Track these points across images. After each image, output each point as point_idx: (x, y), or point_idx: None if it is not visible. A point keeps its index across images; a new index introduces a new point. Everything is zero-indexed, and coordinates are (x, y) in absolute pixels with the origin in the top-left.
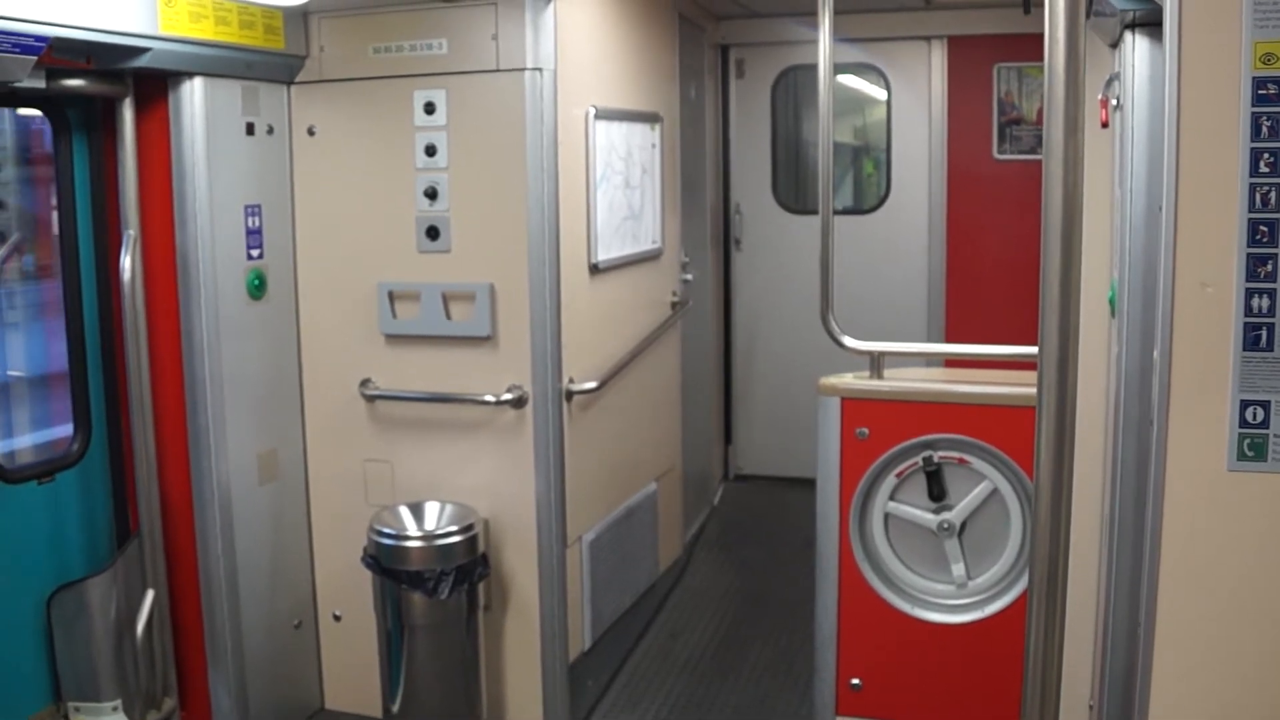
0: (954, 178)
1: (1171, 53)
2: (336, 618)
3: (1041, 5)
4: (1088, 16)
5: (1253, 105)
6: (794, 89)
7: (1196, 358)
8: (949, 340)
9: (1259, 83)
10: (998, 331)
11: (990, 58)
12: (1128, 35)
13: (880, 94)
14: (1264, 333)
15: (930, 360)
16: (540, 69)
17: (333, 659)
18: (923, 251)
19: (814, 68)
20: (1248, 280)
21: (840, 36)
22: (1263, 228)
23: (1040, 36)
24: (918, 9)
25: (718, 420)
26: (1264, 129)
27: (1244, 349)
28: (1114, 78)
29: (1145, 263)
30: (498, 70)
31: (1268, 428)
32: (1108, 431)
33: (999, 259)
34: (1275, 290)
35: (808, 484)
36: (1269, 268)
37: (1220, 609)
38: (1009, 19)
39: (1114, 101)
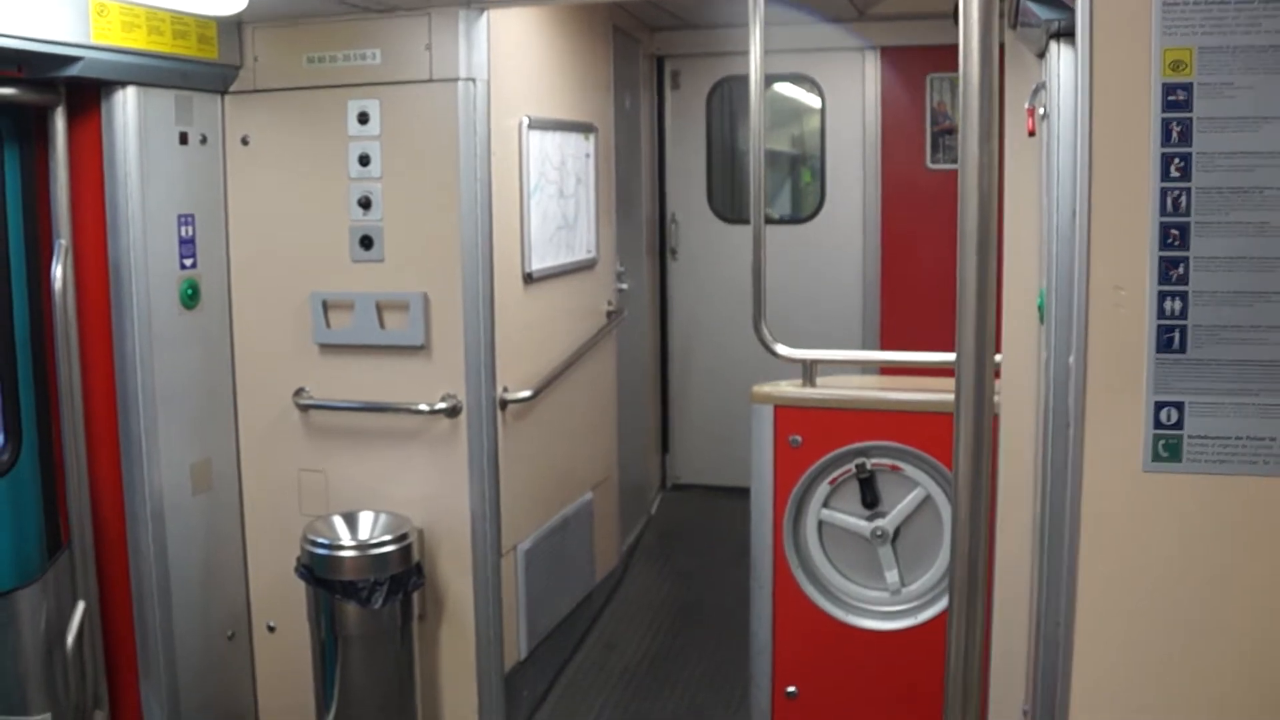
0: (888, 187)
1: (1083, 59)
2: (270, 629)
3: None
4: (1014, 27)
5: (1163, 111)
6: (729, 99)
7: (1111, 360)
8: (884, 348)
9: (1168, 89)
10: (932, 339)
11: (923, 68)
12: (1052, 45)
13: (817, 103)
14: (1176, 335)
15: (866, 368)
16: (473, 79)
17: (267, 670)
18: (857, 260)
19: (747, 79)
20: (1160, 283)
21: (774, 47)
22: (1174, 231)
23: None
24: (851, 20)
25: (654, 429)
26: (1174, 134)
27: (1157, 351)
28: (1040, 87)
29: (1071, 270)
30: (431, 80)
31: (1182, 429)
32: (1037, 437)
33: (932, 267)
34: (1187, 293)
35: (745, 493)
36: (1180, 270)
37: (1137, 608)
38: (941, 30)
39: (1040, 110)
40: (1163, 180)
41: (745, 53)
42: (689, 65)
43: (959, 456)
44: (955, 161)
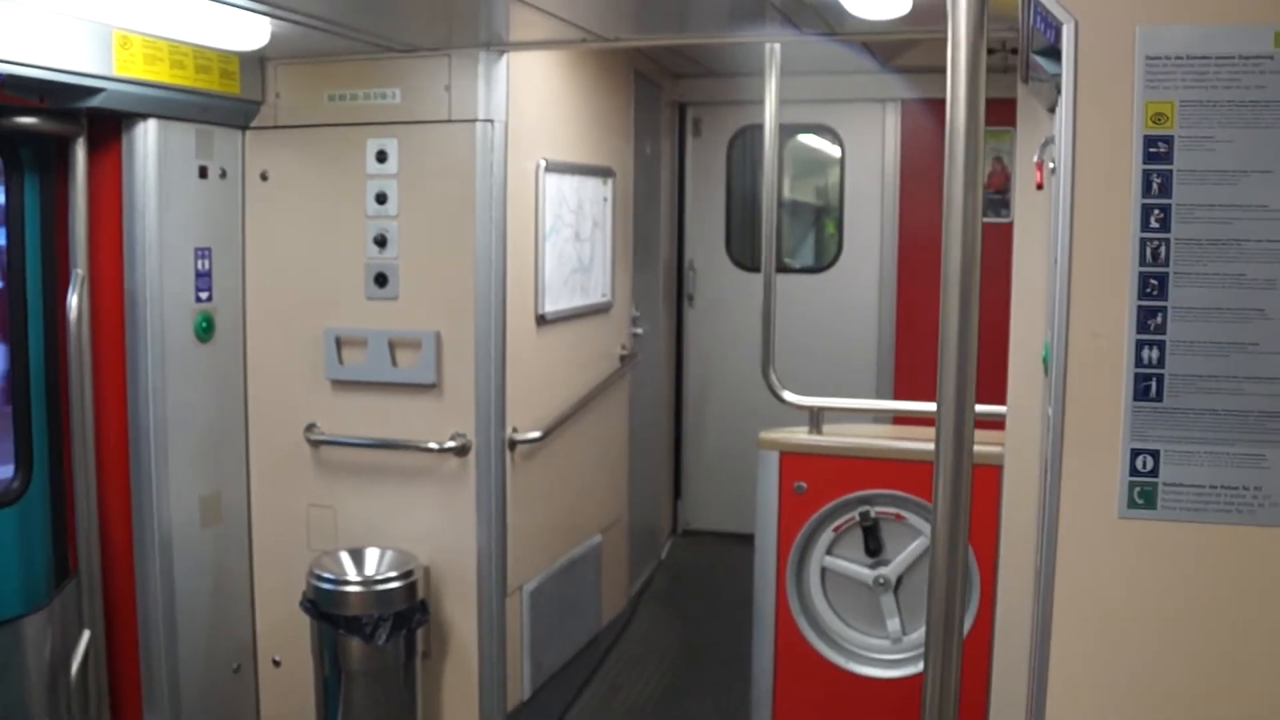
0: (905, 238)
1: (1067, 111)
2: (276, 663)
3: (997, 70)
4: (1025, 81)
5: (1144, 162)
6: (750, 148)
7: (1089, 407)
8: (898, 398)
9: (1149, 141)
10: None
11: (943, 121)
12: (1060, 99)
13: (838, 154)
14: (1154, 383)
15: (879, 417)
16: (492, 120)
17: (271, 704)
18: (873, 310)
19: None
20: (1138, 332)
21: (795, 97)
22: (1153, 281)
23: (994, 102)
24: (871, 72)
25: (667, 474)
26: (1154, 185)
27: (1134, 399)
28: (1049, 141)
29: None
30: (450, 121)
31: (1157, 476)
32: (1040, 487)
33: None
34: (1164, 341)
35: None
36: (1159, 320)
37: (1111, 656)
38: None
39: (1050, 165)
40: (1143, 230)
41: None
42: (711, 113)
43: (937, 504)
44: None
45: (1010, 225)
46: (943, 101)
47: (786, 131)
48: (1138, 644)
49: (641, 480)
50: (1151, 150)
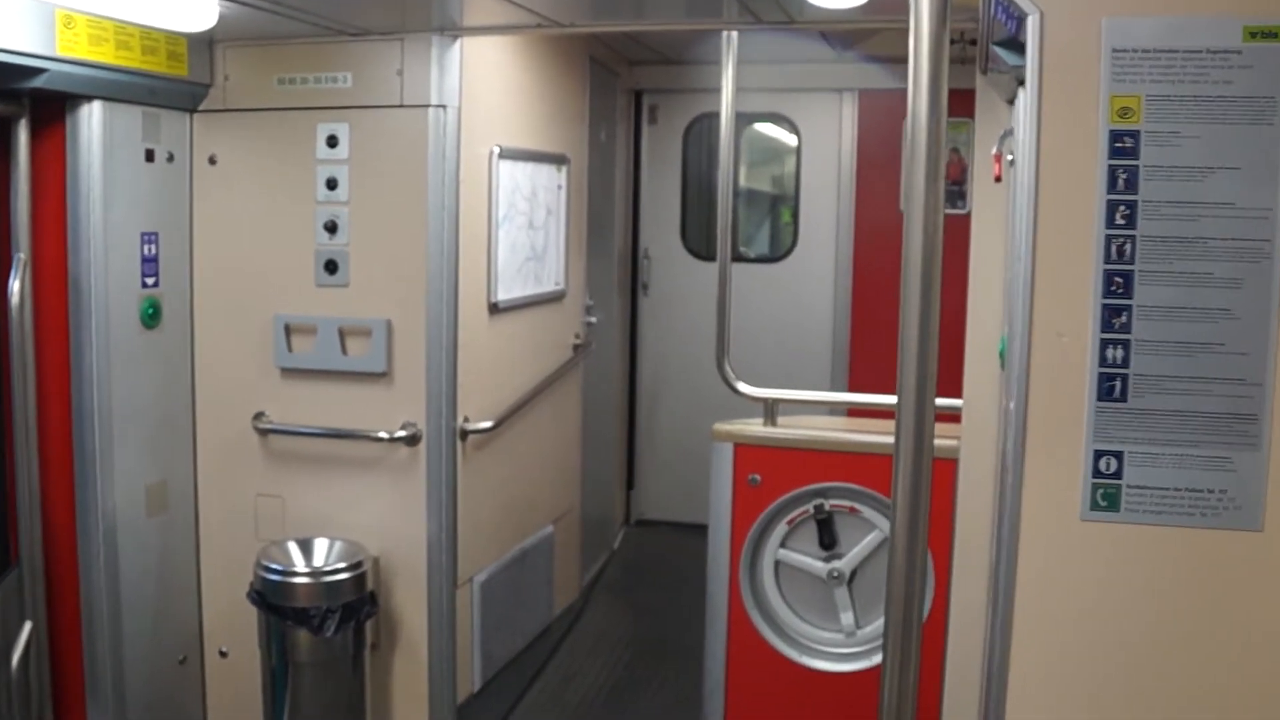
0: (861, 229)
1: (1031, 103)
2: (223, 654)
3: (955, 61)
4: (984, 73)
5: (1109, 158)
6: (706, 136)
7: (1051, 406)
8: (853, 390)
9: (1115, 135)
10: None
11: (901, 111)
12: (1020, 91)
13: (794, 142)
14: (1118, 383)
15: (834, 409)
16: (445, 105)
17: (218, 696)
18: (828, 301)
19: None
20: (1102, 331)
21: (753, 85)
22: (1117, 279)
23: (953, 93)
24: (828, 61)
25: (619, 464)
26: (1120, 181)
27: (1098, 399)
28: (1008, 133)
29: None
30: (402, 106)
31: (1120, 478)
32: (996, 483)
33: None
34: (1129, 341)
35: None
36: (1123, 319)
37: (1071, 657)
38: None
39: (1008, 156)
40: (1108, 227)
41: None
42: (667, 101)
43: (897, 494)
44: None
45: (968, 217)
46: (901, 91)
47: (743, 120)
48: (1099, 649)
49: (594, 470)
50: (1117, 145)
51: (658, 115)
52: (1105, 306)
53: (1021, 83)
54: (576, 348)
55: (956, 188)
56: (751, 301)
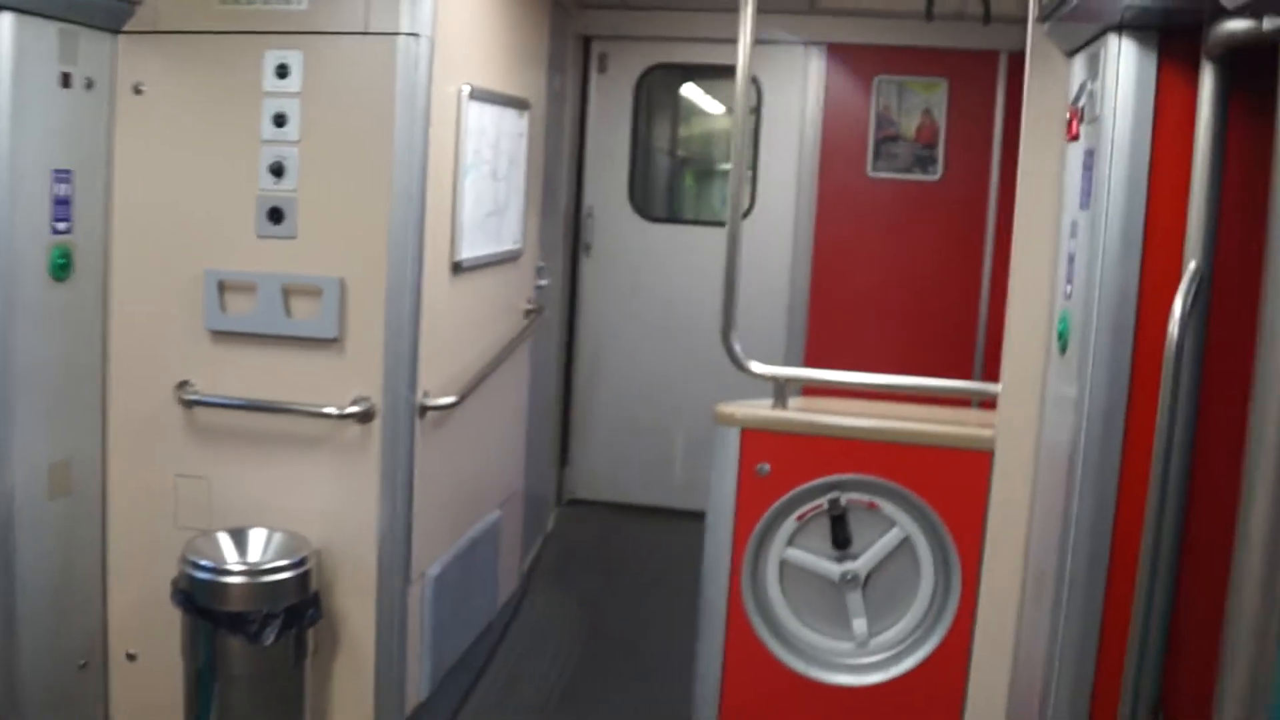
0: (824, 193)
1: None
2: (131, 657)
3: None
4: (1044, 20)
5: None
6: (659, 89)
7: None
8: (808, 364)
9: None
10: (862, 354)
11: (871, 69)
12: (1111, 38)
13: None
14: None
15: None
16: (417, 34)
17: (124, 704)
18: (786, 268)
19: (680, 68)
20: None
21: (712, 35)
22: None
23: (927, 51)
24: (800, 12)
25: (555, 440)
26: None
27: None
28: (1085, 86)
29: (1119, 294)
30: (366, 33)
31: None
32: (1035, 478)
33: (867, 281)
34: None
35: (649, 512)
36: None
37: None
38: (895, 29)
39: (1089, 115)
40: None
41: (680, 39)
42: (619, 48)
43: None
44: (898, 171)
45: (937, 184)
46: (871, 48)
47: (702, 74)
48: None
49: (537, 448)
50: None
51: (608, 64)
52: None
53: (1116, 28)
54: (528, 313)
55: (928, 152)
56: (701, 267)
